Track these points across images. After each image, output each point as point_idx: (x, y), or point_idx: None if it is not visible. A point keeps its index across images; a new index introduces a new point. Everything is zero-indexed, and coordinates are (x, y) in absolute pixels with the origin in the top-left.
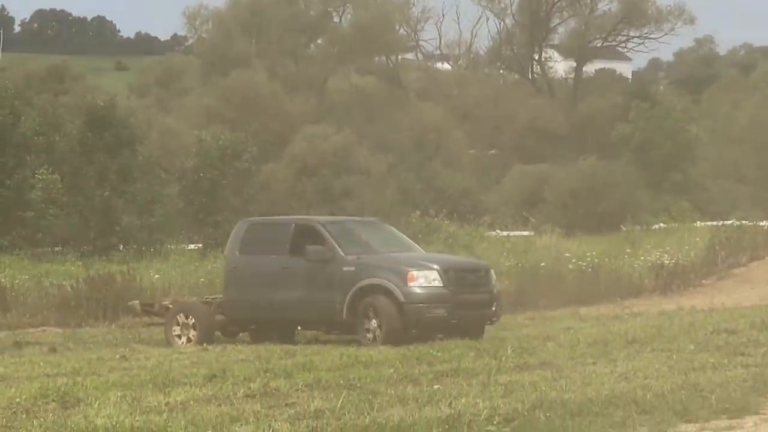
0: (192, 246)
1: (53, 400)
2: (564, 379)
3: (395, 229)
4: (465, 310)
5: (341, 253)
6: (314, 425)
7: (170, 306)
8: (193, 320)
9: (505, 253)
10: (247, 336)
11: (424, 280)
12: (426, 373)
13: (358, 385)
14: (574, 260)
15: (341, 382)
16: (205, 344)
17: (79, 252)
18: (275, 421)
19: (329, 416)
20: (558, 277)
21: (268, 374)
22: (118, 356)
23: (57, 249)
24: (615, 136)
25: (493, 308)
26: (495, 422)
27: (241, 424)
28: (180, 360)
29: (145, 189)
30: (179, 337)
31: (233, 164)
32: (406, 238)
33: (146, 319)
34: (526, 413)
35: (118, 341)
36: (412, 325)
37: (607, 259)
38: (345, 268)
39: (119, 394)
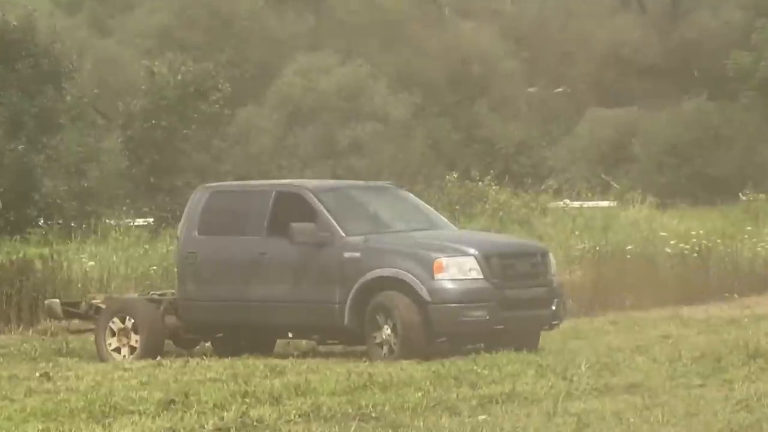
0: (140, 221)
1: None
2: (659, 408)
3: (417, 198)
4: (514, 311)
5: (341, 232)
6: None
7: (102, 305)
8: (135, 325)
9: (576, 232)
10: (212, 346)
11: (457, 270)
12: (468, 399)
13: (374, 414)
14: (673, 242)
15: (350, 410)
16: (159, 358)
17: None
18: None
19: None
20: (651, 266)
21: (247, 399)
22: (38, 374)
23: None
24: (731, 69)
25: (553, 308)
26: None
27: None
28: (124, 379)
29: (75, 142)
30: (117, 350)
31: (198, 107)
32: (432, 210)
33: (71, 323)
34: None
35: (37, 353)
36: (441, 332)
37: (719, 241)
38: (347, 255)
39: (41, 426)
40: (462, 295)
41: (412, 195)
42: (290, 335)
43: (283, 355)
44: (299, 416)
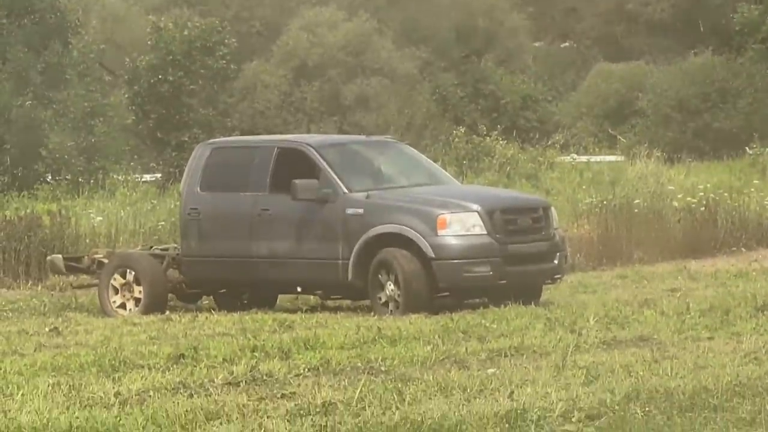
0: (147, 177)
1: None
2: (668, 360)
3: (419, 153)
4: (517, 265)
5: (344, 189)
6: (322, 423)
7: (105, 260)
8: (137, 278)
9: (584, 186)
10: (214, 301)
11: (461, 226)
12: (476, 352)
13: (383, 368)
14: (680, 195)
15: (359, 364)
16: (167, 313)
17: None
18: (268, 417)
19: (343, 411)
20: (659, 219)
21: (257, 354)
22: (48, 329)
23: None
24: (738, 23)
25: (556, 262)
26: (574, 419)
27: (221, 422)
28: (134, 334)
29: (82, 97)
30: (123, 306)
31: (204, 62)
32: (434, 164)
33: (75, 278)
34: (617, 407)
35: (47, 308)
36: (445, 288)
37: (726, 195)
38: (349, 211)
39: (51, 381)
40: (466, 251)
41: (413, 149)
42: (299, 289)
43: (292, 310)
44: (308, 370)
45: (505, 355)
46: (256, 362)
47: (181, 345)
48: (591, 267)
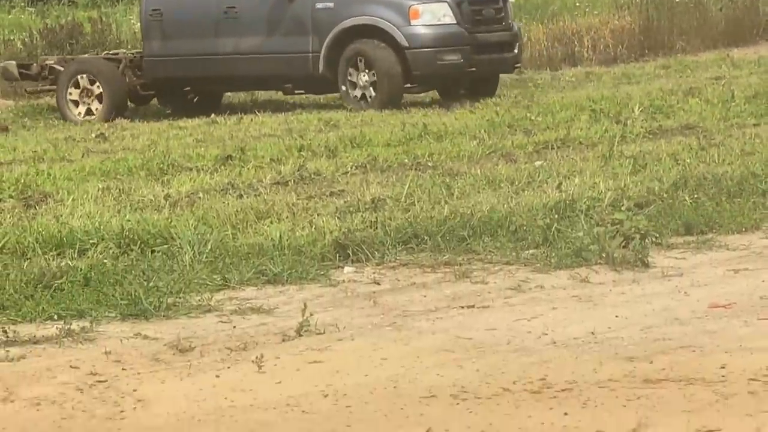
0: None
1: (10, 197)
2: (715, 148)
3: None
4: (484, 54)
5: None
6: (372, 219)
7: (56, 66)
8: (94, 82)
9: None
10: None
11: (431, 16)
12: (523, 146)
13: (430, 164)
14: None
15: (406, 160)
16: (212, 116)
17: None
18: (318, 215)
19: (392, 207)
20: (700, 9)
21: (303, 153)
22: (94, 135)
23: None
24: None
25: (515, 51)
26: (623, 208)
27: (272, 222)
28: (180, 138)
29: None
30: (89, 112)
31: None
32: None
33: (27, 84)
34: (665, 195)
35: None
36: (418, 77)
37: None
38: (319, 5)
39: (100, 185)
40: (437, 40)
41: None
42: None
43: (336, 108)
44: (356, 168)
45: (552, 148)
46: (303, 161)
47: (228, 147)
48: (633, 58)
